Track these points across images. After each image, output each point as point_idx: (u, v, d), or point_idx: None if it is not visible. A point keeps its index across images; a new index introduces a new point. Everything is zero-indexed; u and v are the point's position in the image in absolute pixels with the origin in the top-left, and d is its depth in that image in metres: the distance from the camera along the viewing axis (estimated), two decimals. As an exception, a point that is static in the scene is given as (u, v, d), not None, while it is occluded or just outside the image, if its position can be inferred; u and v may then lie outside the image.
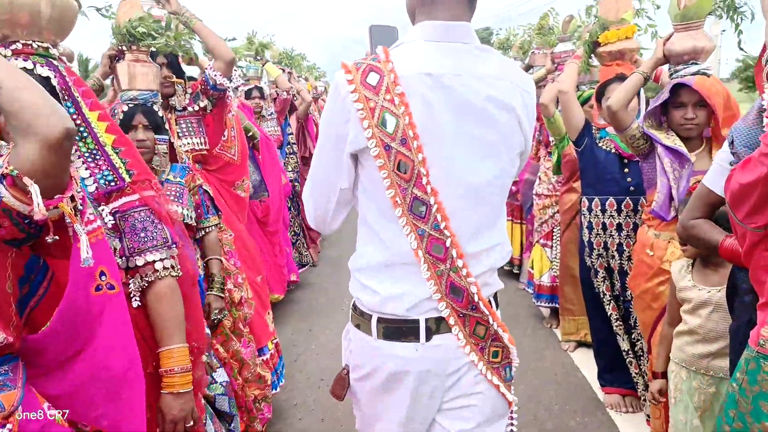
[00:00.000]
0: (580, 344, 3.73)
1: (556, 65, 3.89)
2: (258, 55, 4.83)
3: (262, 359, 2.82)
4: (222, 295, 2.43)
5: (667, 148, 2.25)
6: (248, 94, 4.69)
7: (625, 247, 2.83)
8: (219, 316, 2.40)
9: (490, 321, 1.28)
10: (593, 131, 2.93)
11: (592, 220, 2.91)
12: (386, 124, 1.15)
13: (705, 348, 1.96)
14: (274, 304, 4.42)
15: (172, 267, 1.59)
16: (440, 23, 1.20)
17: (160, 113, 2.34)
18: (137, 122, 2.25)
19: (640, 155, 2.43)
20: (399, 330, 1.24)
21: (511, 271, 5.28)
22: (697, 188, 1.59)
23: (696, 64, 2.26)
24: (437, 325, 1.24)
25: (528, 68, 4.53)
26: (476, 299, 1.23)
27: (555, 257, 4.02)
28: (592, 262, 2.93)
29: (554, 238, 4.02)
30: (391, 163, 1.16)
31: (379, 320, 1.25)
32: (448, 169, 1.19)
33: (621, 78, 2.83)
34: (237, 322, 2.59)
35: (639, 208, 2.84)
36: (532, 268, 4.22)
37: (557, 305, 4.06)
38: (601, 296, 2.91)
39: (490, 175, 1.23)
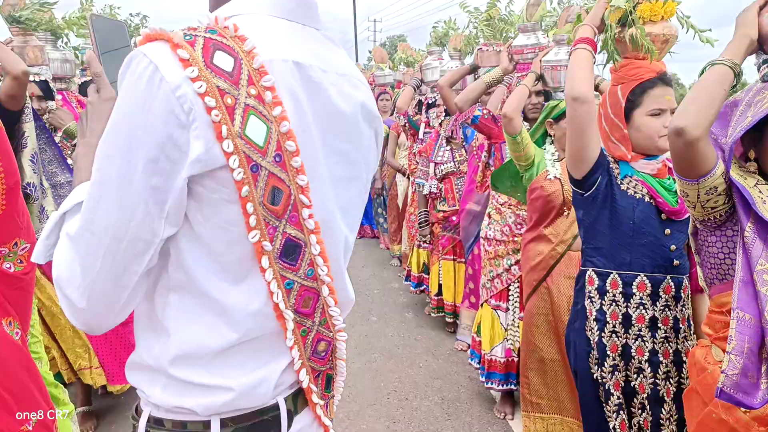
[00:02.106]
0: (550, 451, 2.69)
1: (515, 64, 2.85)
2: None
3: None
4: None
5: (763, 223, 1.21)
6: (84, 89, 3.33)
7: (661, 357, 1.80)
8: None
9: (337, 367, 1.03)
10: (611, 165, 1.88)
11: (605, 308, 1.84)
12: (254, 133, 0.78)
13: None
14: (116, 397, 3.08)
15: None
16: None
17: None
18: None
19: (707, 222, 1.38)
20: (256, 428, 0.88)
21: (444, 320, 4.22)
22: None
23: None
24: (295, 404, 0.95)
25: (473, 69, 3.48)
26: (341, 351, 1.01)
27: (513, 324, 2.97)
28: (602, 376, 1.86)
29: (511, 298, 2.97)
30: (258, 192, 0.80)
31: (226, 423, 0.87)
32: (324, 197, 0.90)
33: (663, 78, 1.80)
34: None
35: (682, 294, 1.81)
36: (478, 334, 3.15)
37: (513, 387, 3.02)
38: (614, 434, 1.84)
39: (355, 202, 0.99)
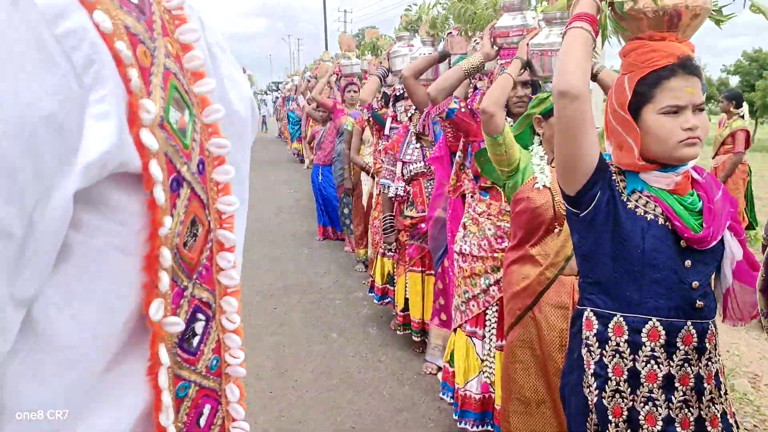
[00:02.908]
0: None
1: (498, 48, 2.41)
2: None
3: None
4: None
5: None
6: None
7: (679, 427, 1.38)
8: None
9: None
10: (613, 178, 1.46)
11: (606, 360, 1.42)
12: (176, 121, 0.47)
13: None
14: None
15: None
16: None
17: None
18: None
19: None
20: None
21: (411, 338, 3.78)
22: None
23: None
24: None
25: (443, 57, 3.04)
26: None
27: (489, 354, 2.55)
28: (604, 446, 1.44)
29: (488, 324, 2.55)
30: (175, 227, 0.48)
31: None
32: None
33: (685, 64, 1.37)
34: None
35: (707, 344, 1.40)
36: (451, 364, 2.72)
37: (490, 428, 2.60)
38: None
39: (241, 241, 0.62)
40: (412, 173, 3.52)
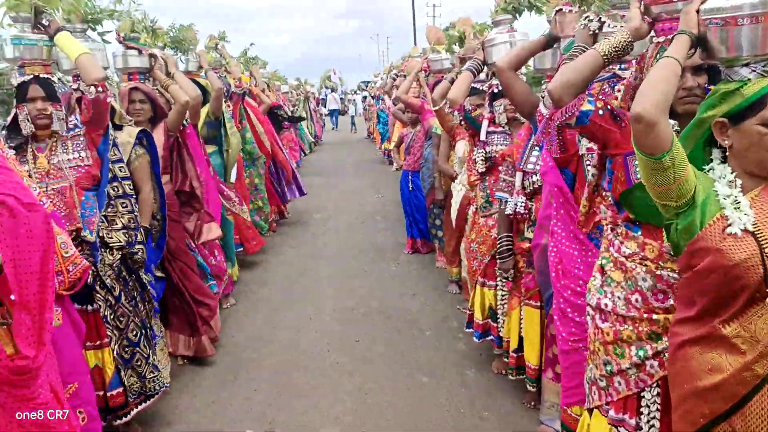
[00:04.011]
0: None
1: (652, 21, 1.66)
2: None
3: None
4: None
5: None
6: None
7: None
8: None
9: None
10: None
11: None
12: None
13: None
14: None
15: None
16: None
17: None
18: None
19: None
20: None
21: (518, 385, 3.07)
22: None
23: None
24: None
25: (551, 42, 2.38)
26: None
27: None
28: None
29: (645, 413, 1.79)
30: None
31: None
32: None
33: None
34: None
35: None
36: None
37: None
38: None
39: None
40: (536, 186, 2.82)
